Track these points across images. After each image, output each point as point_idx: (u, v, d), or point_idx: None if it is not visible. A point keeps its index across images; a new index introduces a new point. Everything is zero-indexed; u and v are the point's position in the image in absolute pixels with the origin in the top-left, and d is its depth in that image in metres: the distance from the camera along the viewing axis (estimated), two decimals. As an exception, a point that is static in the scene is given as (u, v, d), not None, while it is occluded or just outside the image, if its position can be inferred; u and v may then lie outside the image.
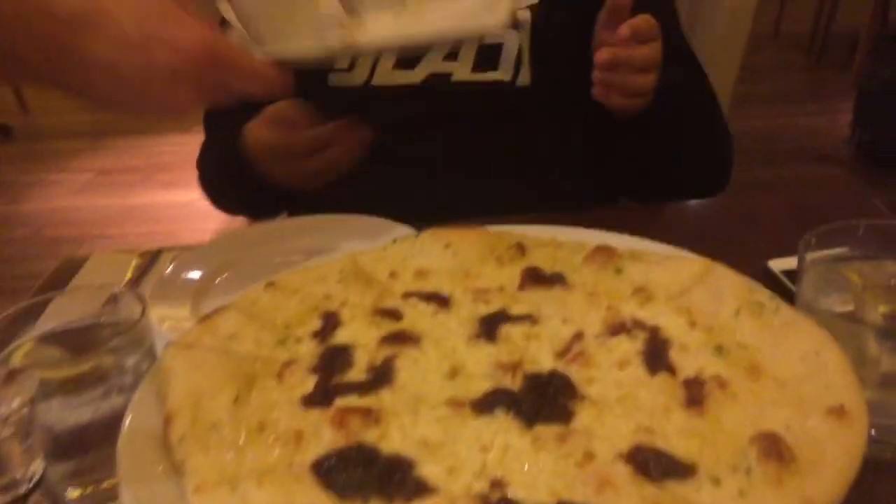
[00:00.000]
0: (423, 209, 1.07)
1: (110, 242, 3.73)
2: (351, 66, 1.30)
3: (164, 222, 3.90)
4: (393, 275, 0.83)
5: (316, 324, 0.76)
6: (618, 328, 0.71)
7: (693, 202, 1.27)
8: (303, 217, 1.11)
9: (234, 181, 1.25)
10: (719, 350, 0.67)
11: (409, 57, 1.29)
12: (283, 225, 1.10)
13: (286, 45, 0.92)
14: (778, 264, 0.95)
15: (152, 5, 0.78)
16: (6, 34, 0.74)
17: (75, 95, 0.79)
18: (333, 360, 0.70)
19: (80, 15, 0.75)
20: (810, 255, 0.73)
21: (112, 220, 3.98)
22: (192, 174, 1.38)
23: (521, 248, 0.84)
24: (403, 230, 1.04)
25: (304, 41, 0.93)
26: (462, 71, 1.30)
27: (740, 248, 1.04)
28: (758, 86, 4.55)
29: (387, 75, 1.30)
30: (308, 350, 0.72)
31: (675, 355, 0.67)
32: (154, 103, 0.81)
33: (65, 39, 0.75)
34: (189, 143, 1.10)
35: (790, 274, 0.92)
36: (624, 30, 1.06)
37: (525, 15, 1.27)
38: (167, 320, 0.90)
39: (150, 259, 1.09)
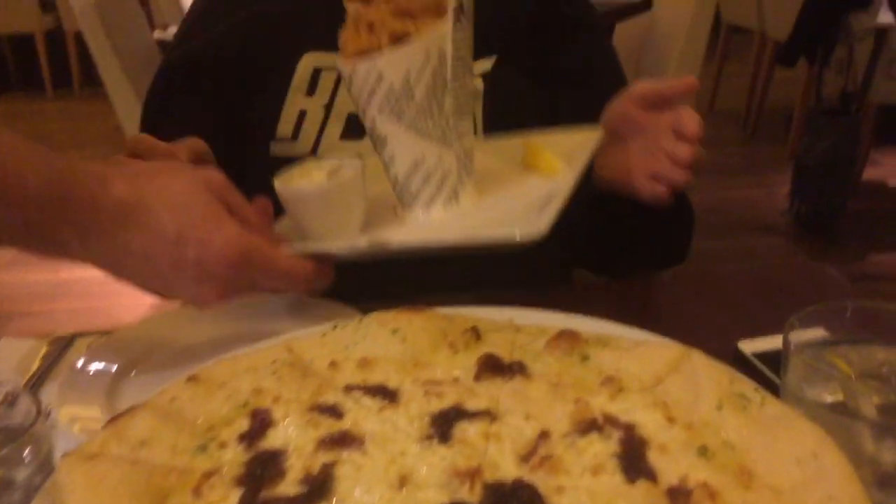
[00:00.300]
0: (367, 289, 0.99)
1: (35, 321, 3.55)
2: (295, 136, 1.25)
3: (96, 298, 3.73)
4: (333, 365, 0.74)
5: (244, 424, 0.66)
6: (588, 426, 0.62)
7: (643, 278, 1.22)
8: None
9: None
10: (704, 451, 0.59)
11: (355, 127, 1.24)
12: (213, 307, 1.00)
13: (319, 243, 0.94)
14: (749, 346, 0.89)
15: (194, 203, 0.83)
16: (50, 219, 0.77)
17: (109, 273, 0.84)
18: (262, 469, 0.60)
19: (122, 206, 0.80)
20: (795, 340, 0.66)
21: (40, 295, 3.79)
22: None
23: (476, 333, 0.76)
24: (345, 313, 0.95)
25: (339, 241, 0.95)
26: None
27: (704, 327, 0.98)
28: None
29: (334, 146, 1.25)
30: (233, 457, 0.62)
31: (654, 457, 0.59)
32: (182, 294, 0.85)
33: (105, 227, 0.79)
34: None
35: (763, 357, 0.86)
36: (698, 129, 1.05)
37: (478, 83, 1.23)
38: (78, 421, 0.79)
39: (62, 346, 0.98)
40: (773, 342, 0.88)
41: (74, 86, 6.86)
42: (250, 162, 1.22)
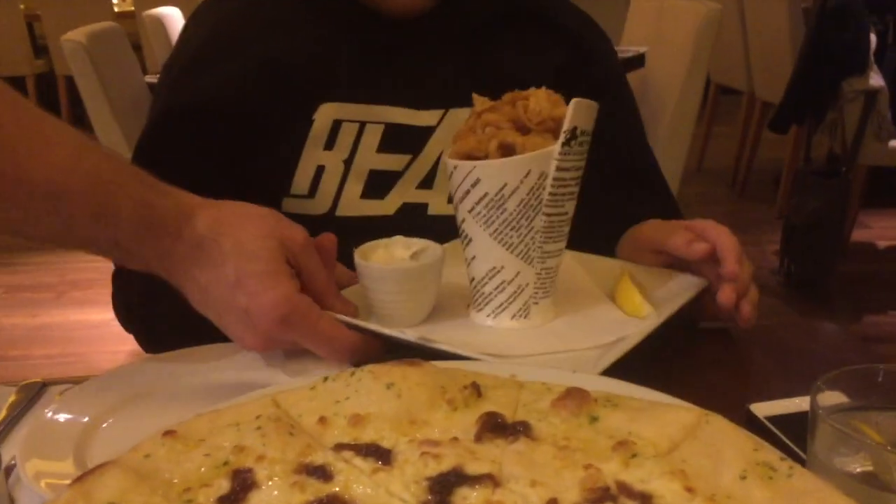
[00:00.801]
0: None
1: (9, 366, 3.46)
2: (311, 193, 1.19)
3: (74, 343, 3.66)
4: (323, 421, 0.68)
5: (223, 486, 0.60)
6: (600, 495, 0.57)
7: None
8: (220, 345, 0.96)
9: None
10: (728, 526, 0.54)
11: (378, 185, 1.20)
12: (195, 355, 0.95)
13: (374, 322, 0.96)
14: (761, 409, 0.84)
15: (261, 255, 0.88)
16: (137, 241, 0.86)
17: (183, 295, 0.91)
18: (243, 537, 0.55)
19: (199, 242, 0.88)
20: (823, 405, 0.62)
21: (18, 341, 3.71)
22: (109, 292, 1.22)
23: (476, 390, 0.71)
24: (338, 366, 0.90)
25: (391, 326, 0.95)
26: (439, 203, 1.23)
27: (711, 388, 0.94)
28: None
29: (354, 205, 1.20)
30: (211, 522, 0.57)
31: (674, 532, 0.54)
32: (229, 333, 0.90)
33: (181, 257, 0.88)
34: (108, 261, 0.98)
35: (778, 421, 0.81)
36: (736, 268, 0.99)
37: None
38: (44, 477, 0.73)
39: (32, 394, 0.92)
40: (786, 406, 0.84)
41: (64, 129, 6.83)
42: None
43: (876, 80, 3.69)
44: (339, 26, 1.20)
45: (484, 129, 0.93)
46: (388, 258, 0.97)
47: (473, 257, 0.96)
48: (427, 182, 1.22)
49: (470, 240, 0.95)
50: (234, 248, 0.87)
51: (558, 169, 0.90)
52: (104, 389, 0.87)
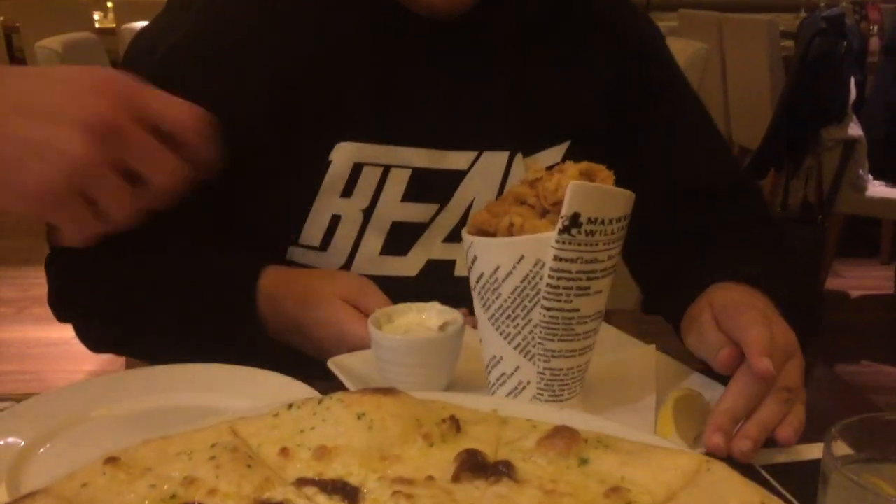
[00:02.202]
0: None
1: (-37, 383, 3.33)
2: (324, 246, 1.04)
3: (31, 361, 3.54)
4: (285, 452, 0.62)
5: (169, 522, 0.54)
6: (592, 547, 0.51)
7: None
8: (175, 366, 0.89)
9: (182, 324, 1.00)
10: (736, 588, 0.48)
11: (400, 239, 1.06)
12: (145, 374, 0.88)
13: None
14: (758, 458, 0.79)
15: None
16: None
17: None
18: (187, 584, 0.48)
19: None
20: (837, 456, 0.56)
21: (-29, 356, 3.59)
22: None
23: (455, 424, 0.65)
24: (303, 392, 0.83)
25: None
26: None
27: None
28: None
29: (373, 262, 1.06)
30: (151, 564, 0.50)
31: None
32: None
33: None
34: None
35: (775, 471, 0.76)
36: (763, 365, 0.77)
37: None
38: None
39: (-32, 413, 0.84)
40: (785, 454, 0.78)
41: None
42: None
43: (854, 129, 3.71)
44: (359, 34, 1.03)
45: (509, 203, 0.82)
46: (418, 325, 0.88)
47: (481, 339, 0.86)
48: (455, 235, 1.08)
49: (477, 319, 0.86)
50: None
51: (557, 259, 0.77)
52: (44, 410, 0.80)
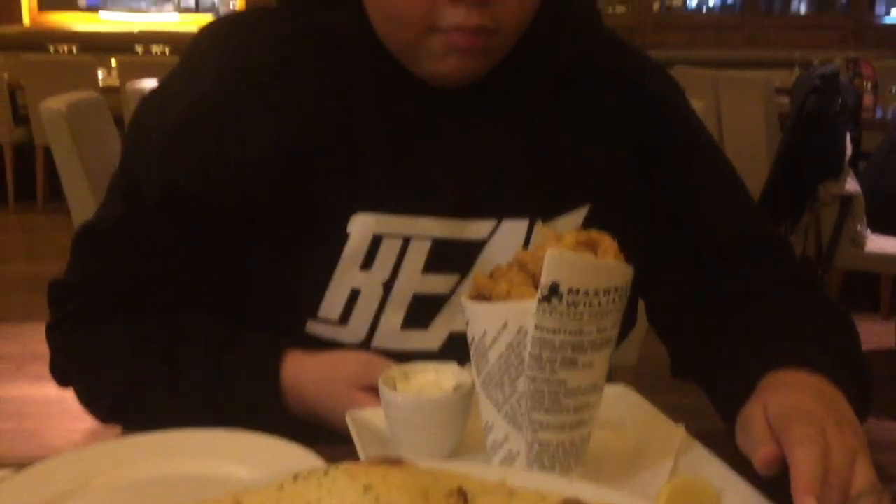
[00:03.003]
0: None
1: (-41, 442, 3.30)
2: (343, 320, 1.03)
3: (30, 419, 3.51)
4: (290, 526, 0.61)
5: None
6: None
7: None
8: (175, 432, 0.88)
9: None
10: None
11: (422, 312, 1.04)
12: (146, 441, 0.87)
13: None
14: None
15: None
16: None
17: None
18: None
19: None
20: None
21: (-32, 413, 3.56)
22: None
23: (463, 496, 0.64)
24: (308, 460, 0.82)
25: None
26: None
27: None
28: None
29: (394, 336, 1.04)
30: None
31: None
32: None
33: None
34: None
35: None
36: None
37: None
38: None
39: (-32, 480, 0.83)
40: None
41: (38, 199, 6.76)
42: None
43: (852, 185, 3.74)
44: (372, 104, 1.02)
45: (514, 269, 0.81)
46: (433, 385, 0.87)
47: (477, 403, 0.85)
48: None
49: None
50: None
51: (539, 328, 0.75)
52: (44, 480, 0.79)
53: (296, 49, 1.03)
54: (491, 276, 0.83)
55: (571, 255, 0.75)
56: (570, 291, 0.74)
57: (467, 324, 0.81)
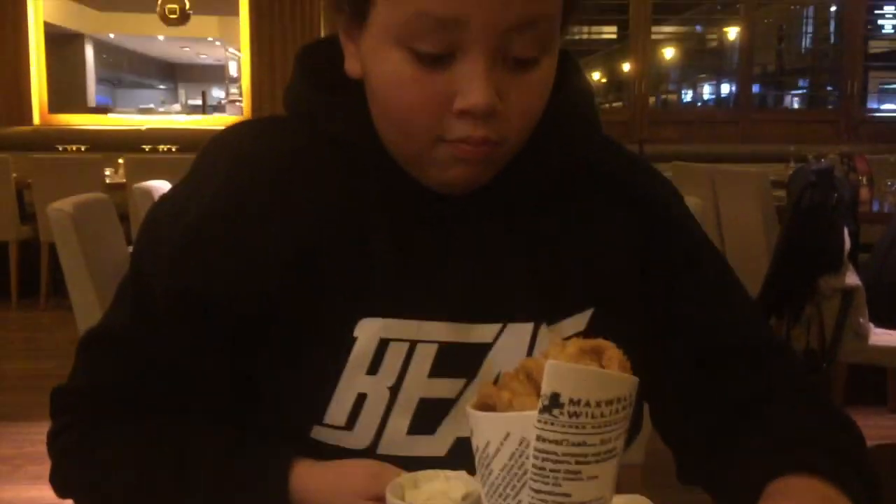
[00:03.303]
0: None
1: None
2: (350, 425, 1.01)
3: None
4: None
5: None
6: None
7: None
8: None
9: None
10: None
11: (428, 416, 1.03)
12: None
13: None
14: None
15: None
16: None
17: None
18: None
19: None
20: None
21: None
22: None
23: None
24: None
25: None
26: None
27: None
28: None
29: (400, 442, 1.02)
30: None
31: None
32: None
33: None
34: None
35: None
36: None
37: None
38: None
39: None
40: None
41: (41, 296, 6.76)
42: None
43: (852, 278, 3.75)
44: (376, 209, 1.03)
45: (520, 377, 0.80)
46: (441, 494, 0.86)
47: None
48: None
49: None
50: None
51: (541, 440, 0.74)
52: None
53: (303, 158, 1.05)
54: (496, 383, 0.82)
55: (572, 365, 0.74)
56: (571, 402, 0.73)
57: (471, 432, 0.80)
